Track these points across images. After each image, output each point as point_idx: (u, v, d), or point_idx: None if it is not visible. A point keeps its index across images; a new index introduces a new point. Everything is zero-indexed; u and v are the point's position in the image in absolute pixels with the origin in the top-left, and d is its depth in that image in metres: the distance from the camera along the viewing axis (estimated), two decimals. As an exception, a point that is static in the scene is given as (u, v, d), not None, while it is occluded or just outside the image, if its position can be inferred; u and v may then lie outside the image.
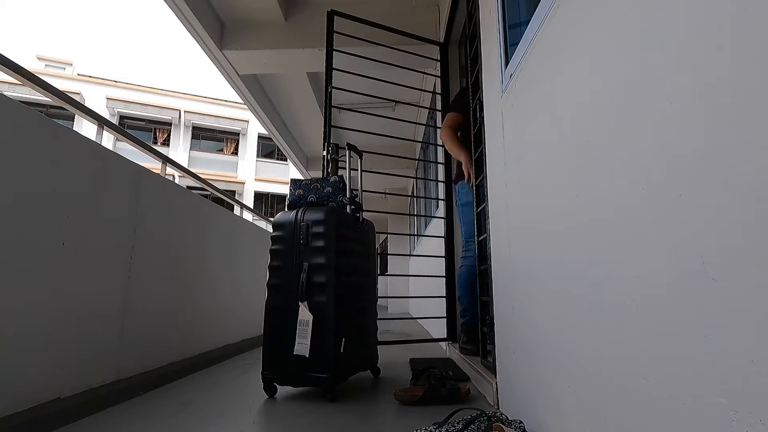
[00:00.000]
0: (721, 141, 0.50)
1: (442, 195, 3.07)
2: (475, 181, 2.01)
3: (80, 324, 1.50)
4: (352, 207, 1.97)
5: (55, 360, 1.38)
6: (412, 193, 5.91)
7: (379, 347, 2.17)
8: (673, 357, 0.57)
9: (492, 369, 1.61)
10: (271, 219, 2.22)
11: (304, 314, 1.64)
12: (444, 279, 2.84)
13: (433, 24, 3.42)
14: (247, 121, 17.61)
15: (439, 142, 3.08)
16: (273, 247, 1.79)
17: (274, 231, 1.80)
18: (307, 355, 1.59)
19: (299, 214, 1.77)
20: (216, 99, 18.04)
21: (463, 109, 2.30)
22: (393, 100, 2.70)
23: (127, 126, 16.25)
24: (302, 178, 2.53)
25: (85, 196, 1.54)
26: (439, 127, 3.07)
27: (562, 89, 0.97)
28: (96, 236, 1.59)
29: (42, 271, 1.34)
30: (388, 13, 3.36)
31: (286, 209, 1.89)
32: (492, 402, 1.55)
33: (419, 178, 3.99)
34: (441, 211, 3.11)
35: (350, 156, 2.16)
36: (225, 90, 18.46)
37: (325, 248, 1.70)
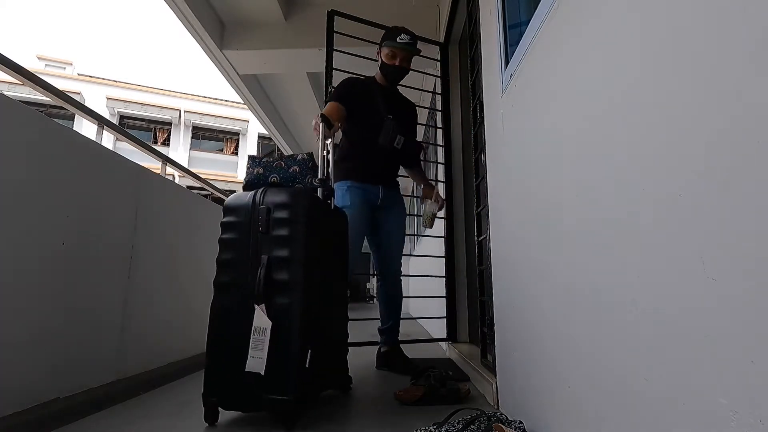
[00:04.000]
0: (721, 141, 0.50)
1: (442, 194, 3.07)
2: (476, 181, 2.01)
3: (80, 324, 1.50)
4: (325, 192, 1.63)
5: (55, 360, 1.38)
6: (412, 192, 5.89)
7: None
8: (673, 357, 0.57)
9: (492, 369, 1.61)
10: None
11: (261, 320, 1.30)
12: (444, 279, 2.84)
13: (433, 24, 3.42)
14: (247, 121, 17.60)
15: (440, 141, 3.08)
16: (223, 236, 1.44)
17: (225, 216, 1.46)
18: (263, 372, 1.27)
19: (258, 195, 1.43)
20: (216, 99, 18.03)
21: (339, 99, 1.96)
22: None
23: (127, 126, 16.24)
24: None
25: (85, 196, 1.54)
26: (440, 127, 3.08)
27: (562, 89, 0.97)
28: (96, 236, 1.59)
29: (42, 271, 1.34)
30: (388, 13, 3.36)
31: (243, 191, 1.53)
32: (492, 402, 1.55)
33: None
34: (441, 210, 3.11)
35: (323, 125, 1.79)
36: (225, 90, 18.44)
37: (291, 238, 1.37)
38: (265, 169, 1.54)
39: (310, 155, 1.59)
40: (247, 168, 1.57)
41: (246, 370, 1.27)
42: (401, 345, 2.29)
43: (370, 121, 2.04)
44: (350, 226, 1.87)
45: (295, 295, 1.34)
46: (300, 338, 1.33)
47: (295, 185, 1.53)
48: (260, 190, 1.45)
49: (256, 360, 1.28)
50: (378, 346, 2.27)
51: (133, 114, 16.96)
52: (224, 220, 1.46)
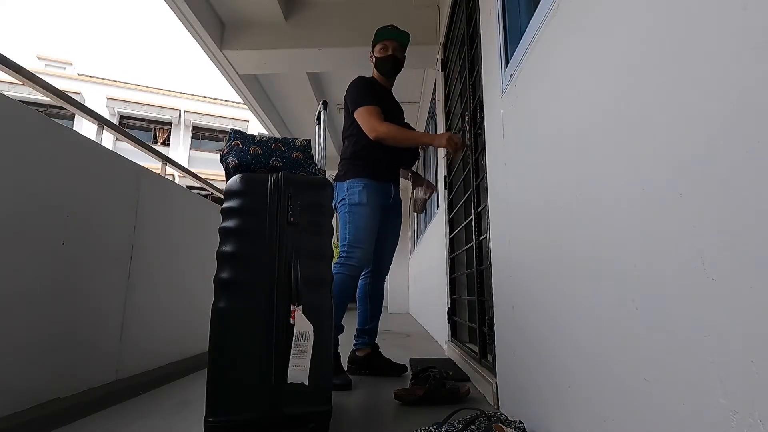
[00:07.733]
0: (721, 141, 0.50)
1: (443, 194, 3.07)
2: (476, 181, 2.01)
3: (80, 324, 1.50)
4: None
5: (55, 360, 1.38)
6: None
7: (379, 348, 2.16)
8: (672, 357, 0.57)
9: (492, 369, 1.61)
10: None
11: (302, 324, 1.17)
12: (444, 278, 2.84)
13: (433, 24, 3.42)
14: (247, 121, 17.59)
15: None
16: (229, 225, 1.24)
17: (228, 200, 1.26)
18: (307, 382, 1.15)
19: (279, 180, 1.28)
20: (216, 99, 18.03)
21: (377, 102, 2.04)
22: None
23: (127, 126, 16.22)
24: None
25: (85, 196, 1.54)
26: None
27: (562, 89, 0.97)
28: (96, 236, 1.59)
29: (42, 270, 1.34)
30: (388, 13, 3.36)
31: (232, 172, 1.33)
32: (492, 402, 1.55)
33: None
34: (442, 209, 3.11)
35: (326, 112, 1.84)
36: (225, 90, 18.46)
37: (322, 230, 1.30)
38: (264, 149, 1.37)
39: (309, 142, 1.50)
40: (236, 145, 1.36)
41: (288, 381, 1.13)
42: (400, 345, 2.28)
43: (388, 121, 2.06)
44: (365, 225, 1.95)
45: (325, 292, 1.26)
46: (332, 339, 1.26)
47: (299, 173, 1.39)
48: (279, 175, 1.29)
49: (299, 369, 1.14)
50: (353, 350, 2.18)
51: (133, 114, 16.95)
52: (228, 205, 1.26)
